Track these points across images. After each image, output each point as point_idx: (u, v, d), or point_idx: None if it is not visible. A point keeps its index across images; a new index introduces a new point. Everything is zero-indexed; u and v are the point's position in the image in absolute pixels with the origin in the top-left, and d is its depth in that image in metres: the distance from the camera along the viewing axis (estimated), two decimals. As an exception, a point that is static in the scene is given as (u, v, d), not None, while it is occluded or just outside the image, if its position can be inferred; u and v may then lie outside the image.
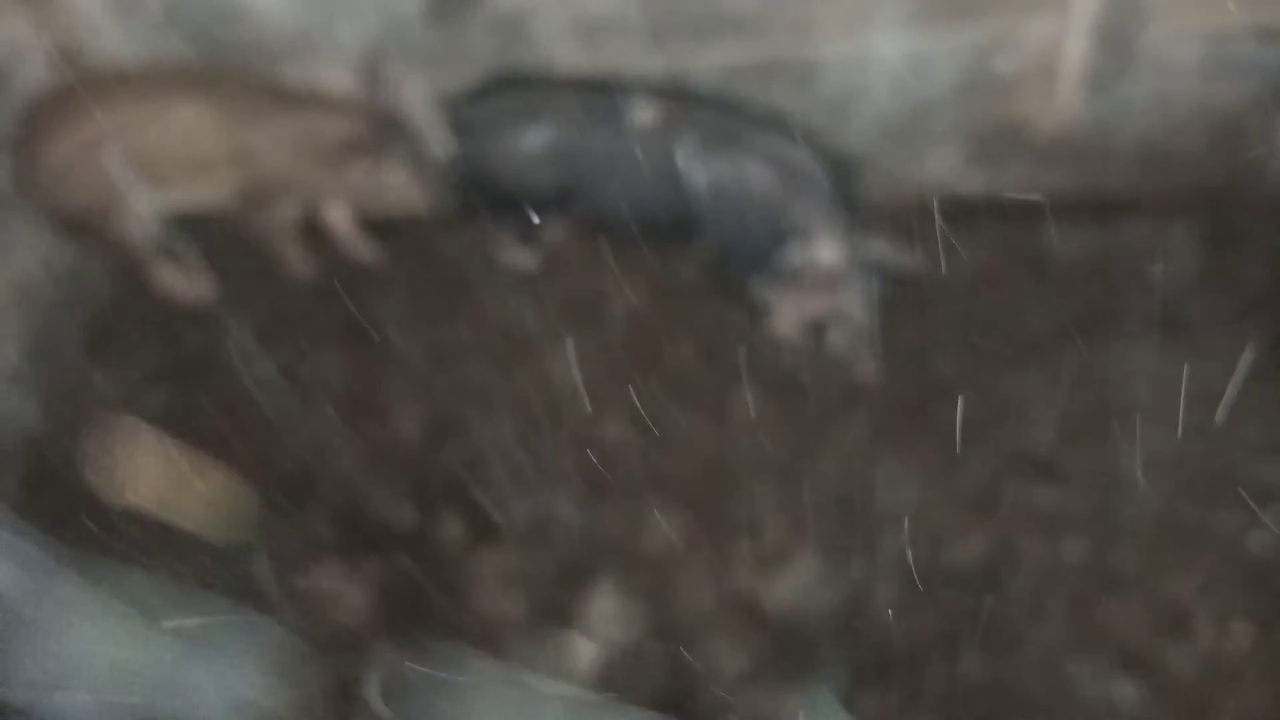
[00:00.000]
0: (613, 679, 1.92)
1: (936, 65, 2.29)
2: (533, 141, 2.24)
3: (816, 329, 2.28)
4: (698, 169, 2.17)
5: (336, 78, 2.28)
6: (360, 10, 2.27)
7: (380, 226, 2.48)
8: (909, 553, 2.03)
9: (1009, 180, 2.42)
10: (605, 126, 2.21)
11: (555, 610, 2.00)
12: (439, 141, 2.31)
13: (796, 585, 2.01)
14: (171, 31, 2.32)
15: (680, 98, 2.23)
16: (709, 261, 2.34)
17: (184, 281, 2.40)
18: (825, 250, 2.16)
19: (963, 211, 2.42)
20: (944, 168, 2.44)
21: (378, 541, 2.08)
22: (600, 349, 2.29)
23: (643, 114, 2.20)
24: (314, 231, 2.45)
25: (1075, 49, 2.29)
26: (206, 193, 2.30)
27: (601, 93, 2.25)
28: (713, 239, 2.28)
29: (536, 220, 2.39)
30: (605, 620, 1.98)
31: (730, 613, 1.98)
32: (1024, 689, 1.90)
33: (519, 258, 2.44)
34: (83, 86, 2.27)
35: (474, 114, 2.29)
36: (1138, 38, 2.26)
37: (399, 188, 2.30)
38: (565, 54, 2.29)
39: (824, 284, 2.19)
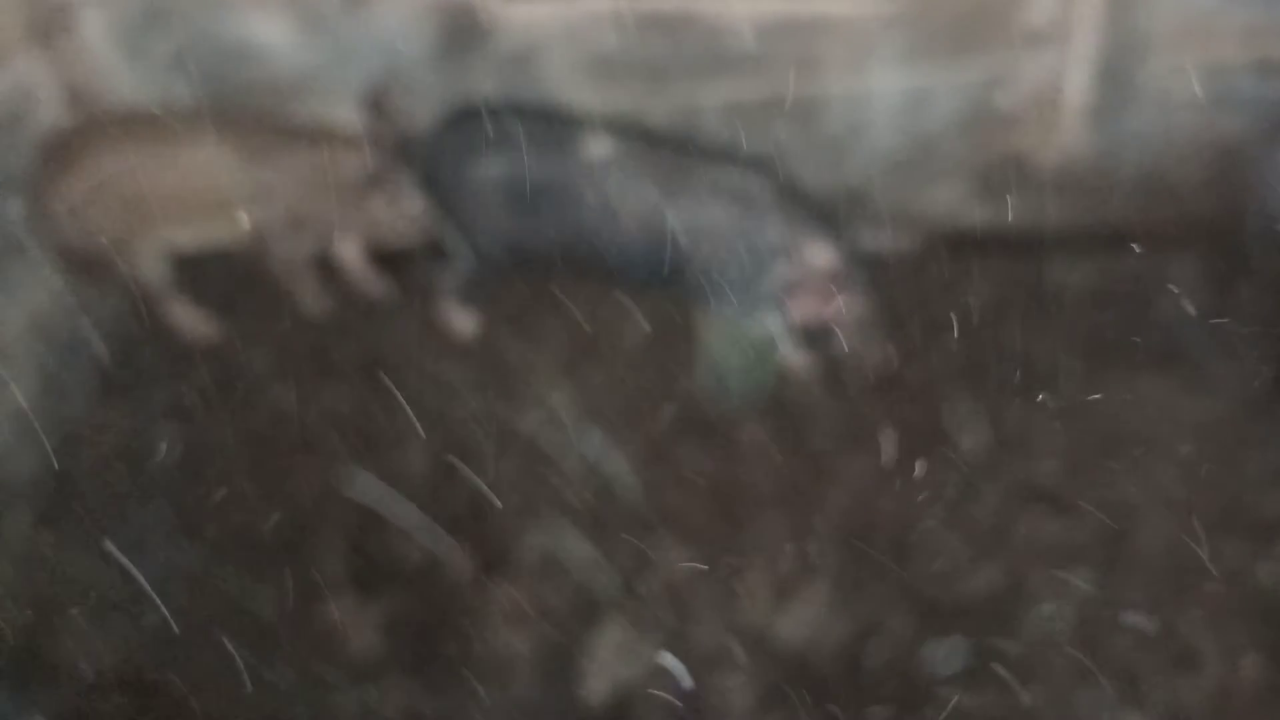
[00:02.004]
0: (622, 714, 1.92)
1: (939, 101, 2.31)
2: (488, 172, 2.26)
3: (825, 333, 2.29)
4: (658, 209, 2.20)
5: (346, 115, 2.31)
6: (366, 51, 2.30)
7: (389, 260, 2.50)
8: (919, 584, 2.04)
9: (1012, 214, 2.43)
10: (558, 159, 2.23)
11: (564, 645, 2.00)
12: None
13: (807, 618, 2.01)
14: (182, 73, 2.35)
15: (634, 135, 2.26)
16: (702, 297, 2.35)
17: (196, 319, 2.42)
18: (813, 255, 2.19)
19: (966, 245, 2.44)
20: (947, 202, 2.46)
21: (387, 575, 2.09)
22: (609, 383, 2.30)
23: (596, 148, 2.23)
24: (326, 267, 2.47)
25: (1076, 83, 2.31)
26: (221, 231, 2.33)
27: (555, 124, 2.28)
28: (696, 278, 2.29)
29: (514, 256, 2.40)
30: (614, 655, 1.99)
31: (740, 646, 1.99)
32: (1034, 721, 1.90)
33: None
34: (95, 127, 2.30)
35: (434, 147, 2.30)
36: (1138, 72, 2.29)
37: (412, 219, 2.32)
38: (570, 92, 2.32)
39: (822, 286, 2.21)
